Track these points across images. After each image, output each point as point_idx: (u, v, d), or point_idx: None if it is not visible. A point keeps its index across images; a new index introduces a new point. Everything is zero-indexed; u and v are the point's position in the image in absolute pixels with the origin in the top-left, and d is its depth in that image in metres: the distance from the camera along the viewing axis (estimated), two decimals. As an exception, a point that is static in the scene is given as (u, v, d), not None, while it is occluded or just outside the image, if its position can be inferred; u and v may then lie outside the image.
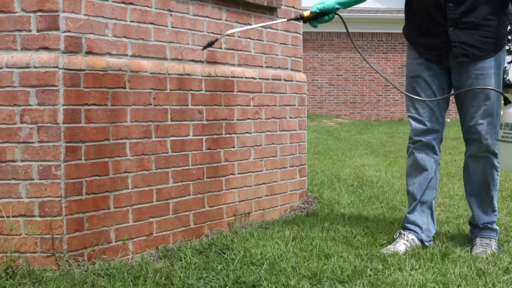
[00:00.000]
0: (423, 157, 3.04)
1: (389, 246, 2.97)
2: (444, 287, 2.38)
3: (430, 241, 3.06)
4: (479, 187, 3.02)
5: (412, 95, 2.99)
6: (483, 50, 2.84)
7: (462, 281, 2.44)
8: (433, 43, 2.93)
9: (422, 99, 2.97)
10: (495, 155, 2.92)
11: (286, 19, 3.09)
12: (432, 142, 3.03)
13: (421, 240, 3.03)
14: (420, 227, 3.05)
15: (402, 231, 3.06)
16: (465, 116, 2.96)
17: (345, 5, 2.95)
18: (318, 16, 2.94)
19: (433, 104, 2.99)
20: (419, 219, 3.06)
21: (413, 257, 2.76)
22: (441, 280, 2.45)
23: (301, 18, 2.96)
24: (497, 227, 3.07)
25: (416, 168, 3.07)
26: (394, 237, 3.10)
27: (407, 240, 2.98)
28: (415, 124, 3.03)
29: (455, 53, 2.87)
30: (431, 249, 2.88)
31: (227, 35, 3.16)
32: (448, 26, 2.86)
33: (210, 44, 2.90)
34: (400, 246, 2.93)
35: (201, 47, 3.08)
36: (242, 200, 3.49)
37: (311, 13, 2.93)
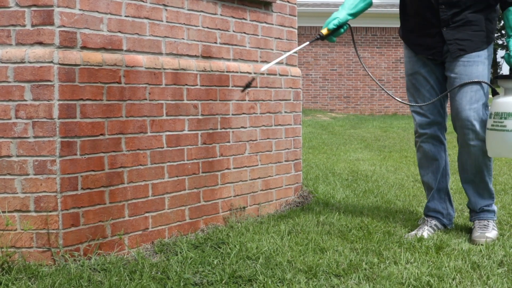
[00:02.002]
0: (431, 148, 3.21)
1: (412, 232, 3.13)
2: (439, 280, 2.39)
3: (451, 224, 3.30)
4: (473, 174, 3.13)
5: (406, 103, 3.23)
6: (477, 42, 3.01)
7: (457, 274, 2.46)
8: (428, 42, 3.10)
9: (418, 104, 3.16)
10: (485, 142, 3.01)
11: (308, 42, 3.14)
12: (437, 132, 3.19)
13: (444, 225, 3.26)
14: (442, 213, 3.27)
15: (425, 217, 3.28)
16: (453, 104, 3.07)
17: (355, 15, 3.12)
18: (335, 31, 3.08)
19: (433, 97, 3.14)
20: (439, 206, 3.27)
21: (408, 251, 2.78)
22: (436, 273, 2.46)
23: (321, 37, 3.07)
24: (494, 208, 3.18)
25: (427, 160, 3.24)
26: (418, 223, 3.32)
27: (430, 226, 3.19)
28: (418, 118, 3.19)
29: (452, 50, 3.02)
30: (426, 242, 2.89)
31: (261, 73, 3.13)
32: (442, 26, 3.03)
33: (248, 85, 2.92)
34: (424, 232, 3.11)
35: (241, 89, 3.06)
36: (238, 195, 3.50)
37: (328, 30, 3.06)
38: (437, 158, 3.22)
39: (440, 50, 3.06)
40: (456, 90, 3.03)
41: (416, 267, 2.54)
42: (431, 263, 2.60)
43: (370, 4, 3.16)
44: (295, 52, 3.12)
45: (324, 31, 3.05)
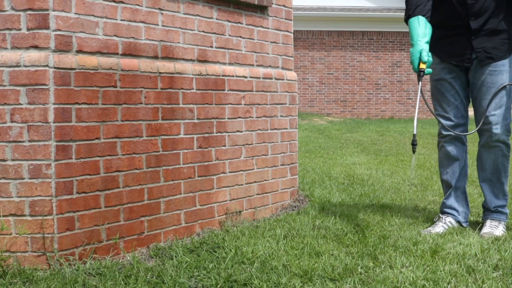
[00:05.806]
0: (453, 149, 3.41)
1: (428, 228, 3.32)
2: (434, 284, 2.39)
3: (466, 222, 3.44)
4: (491, 174, 3.33)
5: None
6: (503, 51, 3.21)
7: (452, 278, 2.46)
8: (457, 50, 3.26)
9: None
10: (506, 144, 3.25)
11: (420, 84, 3.08)
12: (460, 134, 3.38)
13: (459, 222, 3.42)
14: (457, 210, 3.43)
15: (440, 215, 3.45)
16: (478, 109, 3.27)
17: (429, 42, 3.16)
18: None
19: (457, 102, 3.34)
20: (455, 204, 3.43)
21: (404, 255, 2.78)
22: (431, 277, 2.46)
23: (424, 73, 3.07)
24: (507, 211, 3.36)
25: (448, 159, 3.44)
26: (434, 220, 3.45)
27: (445, 223, 3.36)
28: (444, 121, 3.37)
29: (480, 57, 3.21)
30: (421, 246, 2.90)
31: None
32: (471, 35, 3.19)
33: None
34: (439, 228, 3.29)
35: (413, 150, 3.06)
36: (233, 199, 3.50)
37: (424, 63, 3.08)
38: (458, 159, 3.41)
39: (469, 57, 3.24)
40: (481, 95, 3.22)
41: (411, 271, 2.54)
42: (426, 267, 2.61)
43: (432, 27, 3.22)
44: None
45: (422, 66, 3.07)
